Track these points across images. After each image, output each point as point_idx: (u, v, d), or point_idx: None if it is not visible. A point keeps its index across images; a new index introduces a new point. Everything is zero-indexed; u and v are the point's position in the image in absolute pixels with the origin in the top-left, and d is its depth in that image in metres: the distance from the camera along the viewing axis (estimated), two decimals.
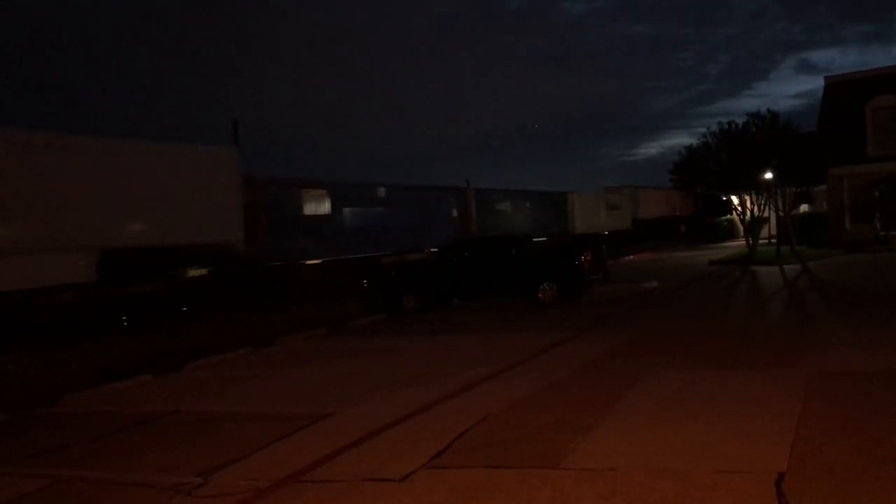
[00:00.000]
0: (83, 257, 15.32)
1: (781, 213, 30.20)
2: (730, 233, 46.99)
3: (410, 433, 6.97)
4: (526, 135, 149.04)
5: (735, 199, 31.48)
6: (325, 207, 22.70)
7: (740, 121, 29.31)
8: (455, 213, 30.43)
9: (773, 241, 31.34)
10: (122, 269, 16.18)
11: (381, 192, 26.17)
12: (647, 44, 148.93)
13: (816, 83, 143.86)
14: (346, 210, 23.67)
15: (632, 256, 34.19)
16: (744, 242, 31.12)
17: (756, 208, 29.22)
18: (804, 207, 36.30)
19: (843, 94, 32.33)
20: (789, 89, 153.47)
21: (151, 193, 16.72)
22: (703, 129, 30.46)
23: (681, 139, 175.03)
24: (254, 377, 10.80)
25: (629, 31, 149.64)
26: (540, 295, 16.69)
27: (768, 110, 29.34)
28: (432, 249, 23.57)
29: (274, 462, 6.40)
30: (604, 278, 18.67)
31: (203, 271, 18.73)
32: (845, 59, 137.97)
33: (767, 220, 31.05)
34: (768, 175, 27.35)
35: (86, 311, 15.42)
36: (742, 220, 31.22)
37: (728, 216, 46.75)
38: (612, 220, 44.13)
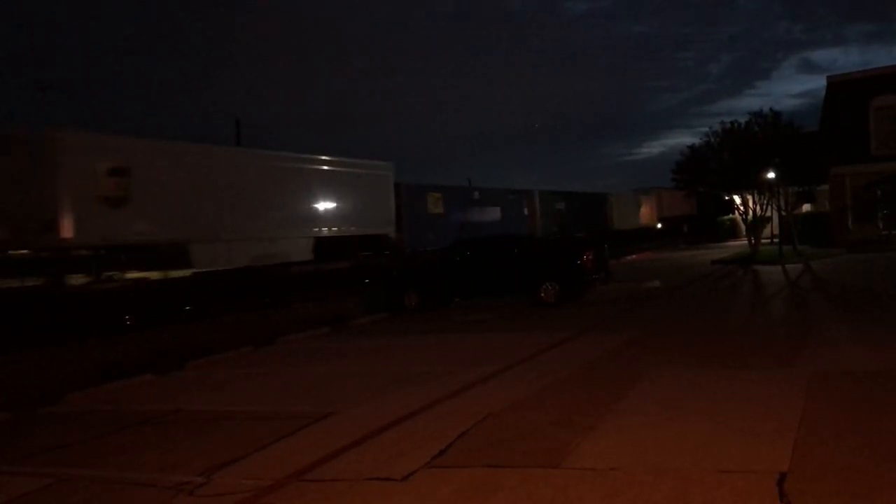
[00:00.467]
0: (307, 242, 22.71)
1: (783, 213, 30.13)
2: (732, 232, 47.04)
3: (412, 432, 6.98)
4: (527, 134, 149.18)
5: (737, 199, 31.44)
6: (440, 207, 29.66)
7: (742, 120, 29.27)
8: (526, 212, 36.65)
9: (776, 240, 31.29)
10: (325, 251, 23.11)
11: (476, 194, 33.19)
12: (649, 43, 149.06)
13: (818, 82, 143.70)
14: (454, 209, 30.41)
15: (634, 256, 34.17)
16: (746, 242, 31.04)
17: (758, 208, 29.17)
18: (806, 207, 36.23)
19: (846, 93, 32.28)
20: (791, 88, 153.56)
21: (346, 197, 24.24)
22: (705, 129, 30.44)
23: (683, 139, 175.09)
24: (255, 376, 10.81)
25: (631, 31, 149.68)
26: (541, 294, 16.67)
27: (770, 109, 29.26)
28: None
29: (276, 461, 6.41)
30: (605, 278, 18.65)
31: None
32: (847, 58, 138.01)
33: (770, 219, 30.97)
34: (770, 174, 27.30)
35: (307, 278, 21.75)
36: (744, 220, 31.15)
37: (730, 216, 46.94)
38: (642, 217, 50.98)
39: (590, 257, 17.26)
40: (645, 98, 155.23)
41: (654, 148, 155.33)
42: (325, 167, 23.91)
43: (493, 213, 32.97)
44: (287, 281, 21.06)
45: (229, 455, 6.65)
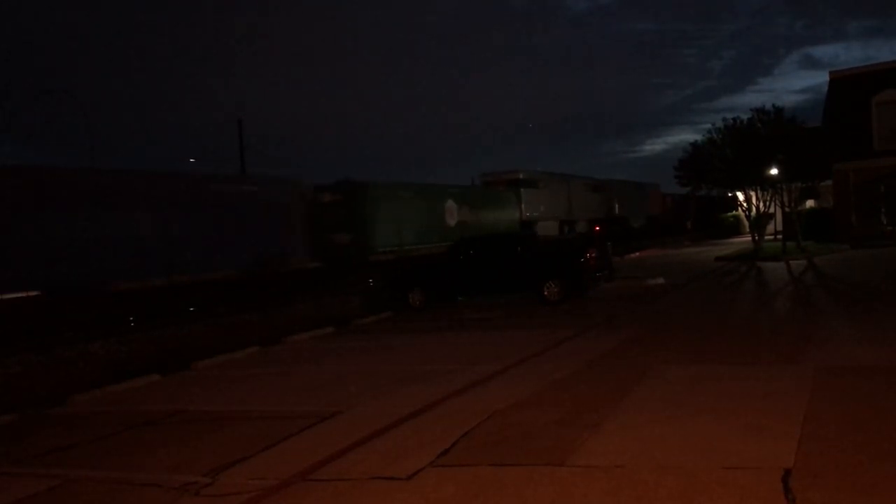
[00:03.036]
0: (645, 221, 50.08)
1: (787, 209, 30.07)
2: (735, 229, 47.04)
3: (417, 431, 6.99)
4: (530, 131, 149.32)
5: (740, 196, 31.38)
6: (670, 205, 55.48)
7: (745, 117, 29.21)
8: (689, 210, 58.55)
9: (779, 236, 31.22)
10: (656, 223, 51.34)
11: (676, 198, 55.02)
12: (651, 40, 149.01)
13: (820, 78, 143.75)
14: (677, 205, 55.91)
15: (637, 253, 34.14)
16: (749, 238, 31.00)
17: (761, 204, 29.11)
18: (810, 203, 36.17)
19: (849, 89, 32.16)
20: (793, 84, 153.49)
21: (645, 202, 51.04)
22: (708, 126, 30.39)
23: (685, 136, 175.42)
24: (261, 376, 10.83)
25: (633, 28, 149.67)
26: (545, 292, 16.66)
27: (773, 106, 29.16)
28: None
29: (281, 461, 6.42)
30: (609, 275, 18.64)
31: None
32: (849, 54, 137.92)
33: (773, 215, 30.93)
34: (773, 171, 27.24)
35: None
36: (747, 217, 31.12)
37: (733, 212, 46.98)
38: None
39: (593, 255, 17.25)
40: (647, 95, 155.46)
41: (657, 145, 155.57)
42: (637, 187, 49.74)
43: (683, 209, 56.29)
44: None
45: (235, 455, 6.67)
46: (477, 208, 30.82)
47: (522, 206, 34.33)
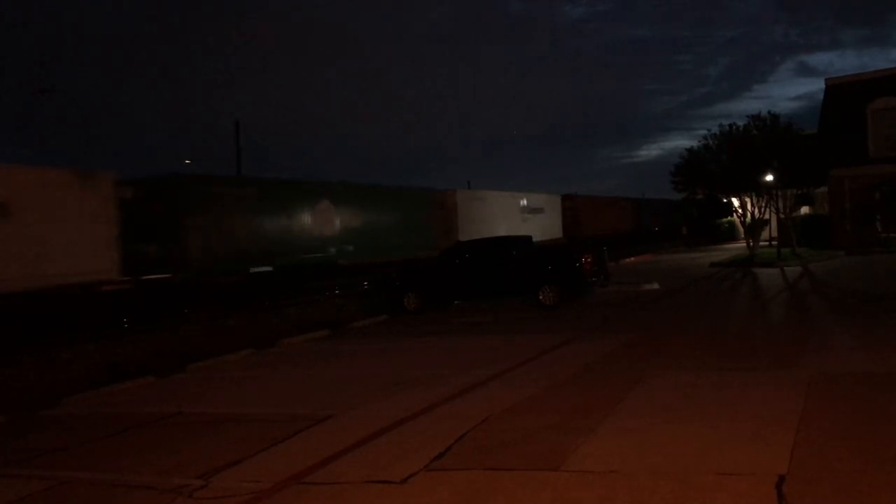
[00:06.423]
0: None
1: (782, 215, 30.13)
2: (731, 235, 47.12)
3: (411, 435, 6.98)
4: (526, 137, 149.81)
5: (736, 202, 31.45)
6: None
7: (741, 123, 29.27)
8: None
9: (774, 242, 31.30)
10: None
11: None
12: (647, 46, 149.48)
13: (815, 86, 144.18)
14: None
15: (632, 258, 34.18)
16: (745, 244, 31.04)
17: (757, 210, 29.18)
18: (805, 209, 36.27)
19: (844, 95, 32.29)
20: (788, 91, 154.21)
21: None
22: (704, 132, 30.25)
23: (681, 141, 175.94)
24: (255, 378, 10.81)
25: (629, 34, 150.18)
26: (541, 297, 16.66)
27: (769, 112, 29.22)
28: None
29: (275, 464, 6.41)
30: (605, 280, 18.65)
31: None
32: (844, 61, 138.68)
33: (768, 222, 30.99)
34: (769, 177, 27.31)
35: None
36: (743, 223, 31.15)
37: (729, 218, 47.10)
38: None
39: (589, 260, 17.25)
40: (643, 101, 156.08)
41: (653, 150, 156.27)
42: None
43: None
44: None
45: (229, 457, 6.65)
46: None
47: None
